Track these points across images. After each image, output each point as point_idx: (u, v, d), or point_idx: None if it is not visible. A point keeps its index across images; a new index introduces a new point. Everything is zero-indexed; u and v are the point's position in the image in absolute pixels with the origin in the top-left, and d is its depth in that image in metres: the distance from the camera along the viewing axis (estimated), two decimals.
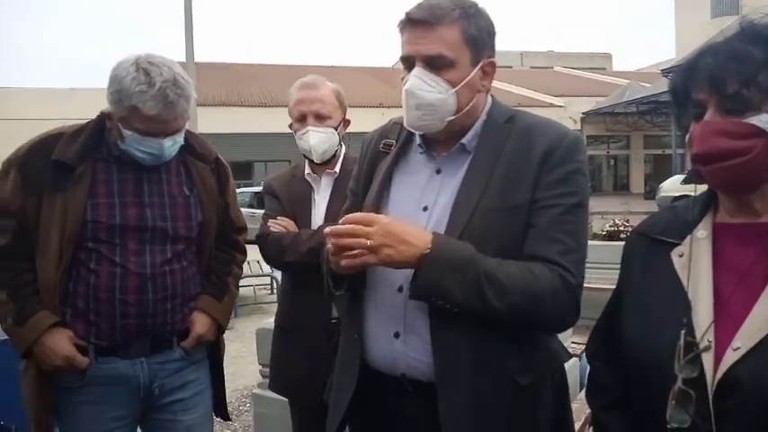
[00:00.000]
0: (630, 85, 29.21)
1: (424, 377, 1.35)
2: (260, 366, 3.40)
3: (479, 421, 1.31)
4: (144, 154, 1.78)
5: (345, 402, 1.45)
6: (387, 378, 1.41)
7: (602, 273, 5.17)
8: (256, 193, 16.94)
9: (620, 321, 1.19)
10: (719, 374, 0.98)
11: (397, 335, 1.38)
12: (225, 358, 2.20)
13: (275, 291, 8.20)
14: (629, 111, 29.86)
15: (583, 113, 30.91)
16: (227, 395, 2.18)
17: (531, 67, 48.38)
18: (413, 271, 1.29)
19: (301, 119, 2.26)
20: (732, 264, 1.06)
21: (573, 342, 3.65)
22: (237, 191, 2.31)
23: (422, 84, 1.35)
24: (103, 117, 1.83)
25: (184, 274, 1.90)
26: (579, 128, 29.45)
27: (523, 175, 1.34)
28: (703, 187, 1.11)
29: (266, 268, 8.34)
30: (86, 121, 1.86)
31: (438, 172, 1.44)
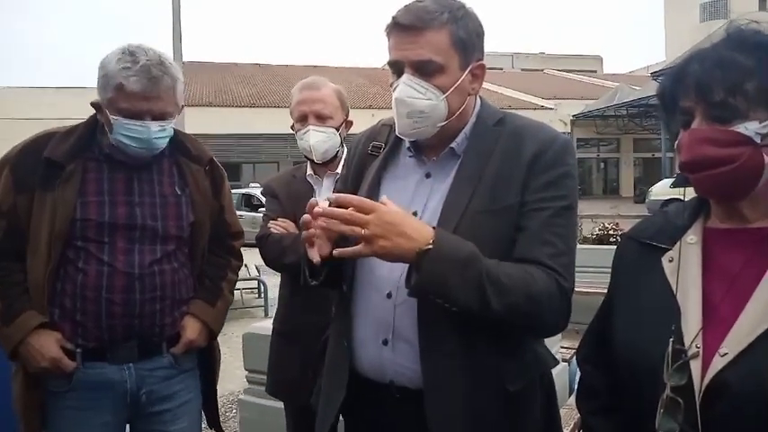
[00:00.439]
0: (621, 87, 29.42)
1: (412, 384, 1.34)
2: (246, 372, 3.36)
3: (468, 428, 1.30)
4: (130, 140, 1.75)
5: (334, 409, 1.44)
6: (375, 385, 1.39)
7: (591, 276, 5.21)
8: (244, 194, 16.95)
9: (611, 326, 1.18)
10: (707, 381, 0.97)
11: (385, 342, 1.36)
12: None
13: (263, 295, 8.15)
14: (619, 113, 30.11)
15: (573, 116, 31.10)
16: None
17: (522, 70, 48.71)
18: (403, 276, 1.28)
19: (302, 119, 2.26)
20: (722, 269, 1.06)
21: (562, 347, 3.66)
22: None
23: (412, 91, 1.33)
24: (96, 116, 1.82)
25: (175, 276, 1.87)
26: (569, 130, 29.63)
27: (512, 177, 1.33)
28: (693, 191, 1.11)
29: (254, 272, 8.30)
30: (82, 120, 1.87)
31: (428, 176, 1.43)
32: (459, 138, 1.41)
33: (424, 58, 1.32)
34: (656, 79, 21.59)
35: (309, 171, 2.32)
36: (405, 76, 1.34)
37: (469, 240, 1.27)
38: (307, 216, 1.27)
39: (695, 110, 1.03)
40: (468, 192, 1.34)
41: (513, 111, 1.50)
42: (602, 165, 36.62)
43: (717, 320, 1.01)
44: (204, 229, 1.97)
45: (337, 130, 2.26)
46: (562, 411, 1.65)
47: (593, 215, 9.47)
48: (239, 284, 7.94)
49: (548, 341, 1.51)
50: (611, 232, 7.17)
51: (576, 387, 1.39)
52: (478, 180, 1.35)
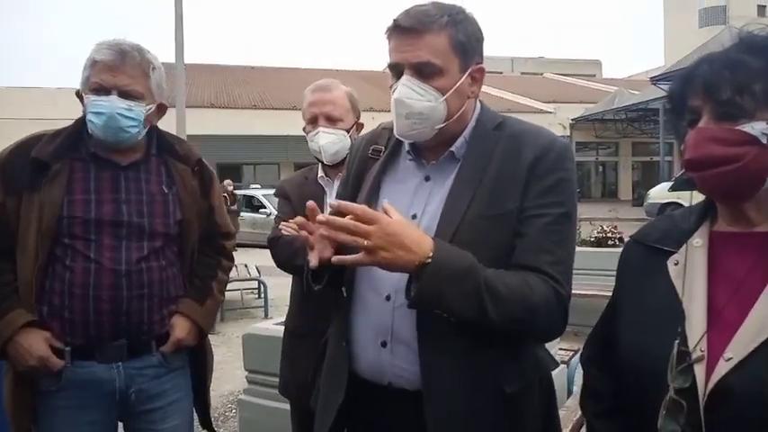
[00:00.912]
0: (619, 92, 29.51)
1: (411, 386, 1.34)
2: (246, 372, 3.36)
3: (466, 430, 1.30)
4: (96, 116, 1.76)
5: (333, 411, 1.44)
6: (373, 386, 1.39)
7: (590, 279, 5.21)
8: (245, 195, 16.87)
9: (616, 329, 1.18)
10: (711, 385, 0.97)
11: (384, 344, 1.37)
12: None
13: (262, 295, 8.15)
14: (618, 117, 30.13)
15: (572, 120, 31.08)
16: (212, 401, 2.15)
17: (522, 73, 48.70)
18: (401, 279, 1.28)
19: (313, 121, 2.26)
20: (728, 273, 1.05)
21: (560, 349, 3.66)
22: None
23: (411, 92, 1.34)
24: (84, 117, 1.83)
25: (163, 274, 1.87)
26: (568, 134, 29.63)
27: (512, 182, 1.34)
28: (699, 195, 1.11)
29: (254, 272, 8.30)
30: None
31: (427, 179, 1.43)
32: (459, 141, 1.42)
33: (424, 60, 1.33)
34: (655, 84, 21.67)
35: (321, 173, 2.32)
36: (404, 78, 1.34)
37: (468, 245, 1.27)
38: (300, 219, 1.28)
39: (703, 109, 1.03)
40: (468, 196, 1.34)
41: (512, 114, 1.50)
42: (600, 168, 36.61)
43: (721, 324, 1.01)
44: (192, 228, 1.96)
45: (348, 132, 2.26)
46: (561, 413, 1.65)
47: (592, 218, 9.46)
48: (239, 285, 8.00)
49: (546, 343, 1.52)
50: (609, 235, 7.18)
51: (574, 388, 1.39)
52: (478, 184, 1.35)
